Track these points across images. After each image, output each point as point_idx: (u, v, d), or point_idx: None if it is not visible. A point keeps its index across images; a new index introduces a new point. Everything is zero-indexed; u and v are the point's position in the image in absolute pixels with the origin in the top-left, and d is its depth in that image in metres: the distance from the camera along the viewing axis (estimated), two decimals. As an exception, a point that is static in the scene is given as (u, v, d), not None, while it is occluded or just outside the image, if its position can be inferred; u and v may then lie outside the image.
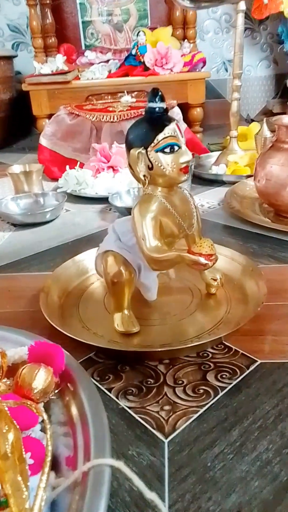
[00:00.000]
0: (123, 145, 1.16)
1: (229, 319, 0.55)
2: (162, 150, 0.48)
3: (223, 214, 0.93)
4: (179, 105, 1.57)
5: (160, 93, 0.49)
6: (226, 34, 2.01)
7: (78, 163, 1.17)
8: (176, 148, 0.48)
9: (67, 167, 1.14)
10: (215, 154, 1.33)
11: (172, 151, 0.48)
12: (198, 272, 0.60)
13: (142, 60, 1.59)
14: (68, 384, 0.37)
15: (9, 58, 1.74)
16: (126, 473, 0.29)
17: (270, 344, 0.51)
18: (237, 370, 0.47)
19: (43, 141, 1.34)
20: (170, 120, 0.49)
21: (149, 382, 0.46)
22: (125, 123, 1.26)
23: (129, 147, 0.50)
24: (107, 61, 1.73)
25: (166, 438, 0.39)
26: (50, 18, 1.73)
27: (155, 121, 0.48)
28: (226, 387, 0.45)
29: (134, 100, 1.45)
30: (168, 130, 0.48)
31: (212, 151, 1.44)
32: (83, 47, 1.95)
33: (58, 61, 1.58)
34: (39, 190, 1.05)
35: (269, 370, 0.47)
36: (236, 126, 1.24)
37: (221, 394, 0.44)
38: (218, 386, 0.45)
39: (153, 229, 0.49)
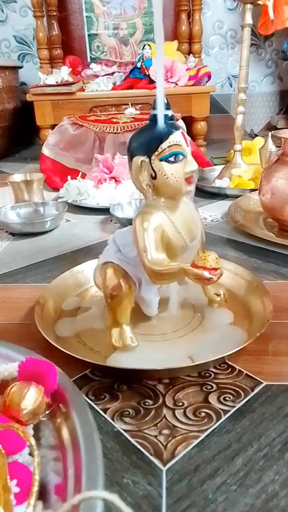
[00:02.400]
0: (126, 156, 1.15)
1: (232, 337, 0.52)
2: (166, 159, 0.46)
3: (226, 227, 0.91)
4: (183, 119, 1.57)
5: (166, 100, 0.47)
6: (231, 49, 2.02)
7: (80, 173, 1.15)
8: (181, 157, 0.46)
9: (69, 177, 1.12)
10: (219, 168, 1.32)
11: (176, 160, 0.46)
12: (201, 286, 0.57)
13: (147, 73, 1.59)
14: (60, 405, 0.35)
15: (14, 68, 1.75)
16: (120, 508, 0.26)
17: (275, 364, 0.48)
18: (241, 392, 0.44)
19: (46, 150, 1.33)
20: (175, 128, 0.47)
21: (147, 403, 0.43)
22: (128, 134, 1.25)
23: (131, 156, 0.48)
24: (112, 73, 1.73)
25: (164, 466, 0.36)
26: (57, 30, 1.74)
27: (161, 129, 0.46)
28: (229, 411, 0.42)
29: (138, 112, 1.44)
30: (173, 139, 0.46)
31: (215, 164, 1.43)
32: (89, 60, 1.96)
33: (63, 73, 1.58)
34: (39, 199, 1.03)
35: (274, 393, 0.44)
36: (240, 140, 1.23)
37: (223, 418, 0.41)
38: (221, 409, 0.42)
39: (155, 240, 0.47)
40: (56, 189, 1.23)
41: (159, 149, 0.46)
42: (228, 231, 0.89)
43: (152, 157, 0.46)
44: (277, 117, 2.01)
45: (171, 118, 0.47)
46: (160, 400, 0.44)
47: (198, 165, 1.32)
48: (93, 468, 0.27)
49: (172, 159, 0.46)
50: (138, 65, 1.62)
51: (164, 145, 0.46)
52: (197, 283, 0.45)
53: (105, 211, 1.01)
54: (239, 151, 1.24)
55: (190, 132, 1.63)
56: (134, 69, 1.63)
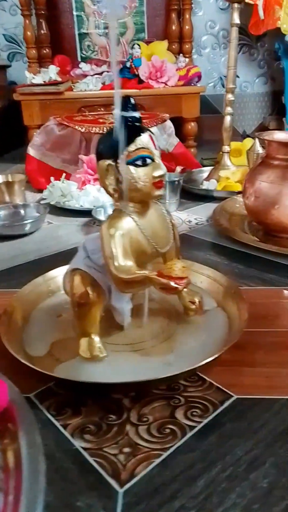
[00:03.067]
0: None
1: (206, 347, 0.50)
2: (133, 163, 0.44)
3: (210, 231, 0.89)
4: (173, 119, 1.55)
5: (133, 102, 0.45)
6: (224, 50, 2.00)
7: (64, 174, 1.13)
8: (148, 161, 0.45)
9: (52, 178, 1.10)
10: (208, 169, 1.30)
11: (144, 164, 0.44)
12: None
13: (136, 73, 1.57)
14: (9, 425, 0.33)
15: (2, 68, 1.72)
16: None
17: (249, 377, 0.46)
18: (210, 407, 0.42)
19: (31, 151, 1.31)
20: (143, 130, 0.45)
21: (110, 419, 0.41)
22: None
23: (98, 159, 0.46)
24: (102, 73, 1.71)
25: (121, 488, 0.34)
26: (45, 28, 1.71)
27: (128, 131, 0.44)
28: (195, 427, 0.40)
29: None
30: (140, 142, 0.44)
31: (205, 166, 1.41)
32: (79, 59, 1.94)
33: (51, 72, 1.55)
34: (21, 201, 1.01)
35: (245, 408, 0.42)
36: (228, 141, 1.22)
37: (189, 435, 0.39)
38: (187, 425, 0.40)
39: (122, 247, 0.45)
40: (42, 191, 1.21)
41: (125, 153, 0.44)
42: (212, 235, 0.87)
43: (119, 161, 0.44)
44: (270, 118, 2.00)
45: (139, 120, 0.45)
46: (124, 416, 0.42)
47: (186, 167, 1.30)
48: (32, 501, 0.25)
49: (139, 162, 0.44)
50: (128, 64, 1.60)
51: (131, 148, 0.44)
52: (162, 293, 0.43)
53: (89, 213, 0.99)
54: (227, 152, 1.22)
55: (180, 132, 1.61)
56: (124, 68, 1.60)
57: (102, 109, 1.55)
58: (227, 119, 1.19)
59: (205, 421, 0.41)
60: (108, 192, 0.46)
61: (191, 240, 0.86)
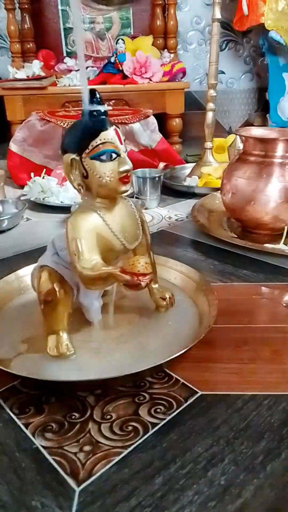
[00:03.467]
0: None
1: (175, 344, 0.50)
2: (97, 157, 0.43)
3: (189, 227, 0.89)
4: (158, 115, 1.54)
5: (98, 95, 0.44)
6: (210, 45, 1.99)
7: (44, 170, 1.12)
8: (114, 155, 0.44)
9: (32, 174, 1.09)
10: (191, 166, 1.29)
11: (110, 159, 0.44)
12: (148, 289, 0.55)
13: (120, 68, 1.56)
14: None
15: (-15, 62, 1.70)
16: None
17: (215, 373, 0.46)
18: (174, 404, 0.42)
19: (13, 146, 1.29)
20: (108, 124, 0.44)
21: (73, 417, 0.41)
22: (97, 131, 1.22)
23: (63, 152, 0.45)
24: (86, 68, 1.69)
25: (78, 486, 0.34)
26: (29, 23, 1.69)
27: (91, 125, 0.44)
28: (158, 424, 0.40)
29: (110, 108, 1.40)
30: (105, 136, 0.43)
31: (188, 162, 1.40)
32: (65, 54, 1.92)
33: (35, 67, 1.54)
34: (1, 197, 1.00)
35: (209, 404, 0.42)
36: (211, 137, 1.21)
37: (151, 432, 0.39)
38: (150, 422, 0.40)
39: (87, 243, 0.45)
40: (23, 187, 1.20)
41: (90, 147, 0.43)
42: (191, 231, 0.87)
43: (83, 155, 0.44)
44: (255, 114, 2.00)
45: (104, 113, 0.45)
46: (88, 413, 0.41)
47: (169, 163, 1.29)
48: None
49: (104, 157, 0.44)
50: (112, 59, 1.59)
51: (95, 142, 0.43)
52: (126, 289, 0.43)
53: (68, 209, 0.98)
54: (209, 148, 1.22)
55: (165, 129, 1.61)
56: (108, 63, 1.60)
57: (86, 104, 1.53)
58: (209, 115, 1.19)
59: (168, 418, 0.40)
60: (74, 187, 0.46)
61: (170, 236, 0.85)
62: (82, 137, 0.44)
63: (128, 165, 0.44)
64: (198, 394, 0.43)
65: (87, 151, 0.43)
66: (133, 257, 0.41)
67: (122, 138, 0.45)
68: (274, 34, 1.46)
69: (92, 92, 0.44)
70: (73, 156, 0.44)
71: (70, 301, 0.49)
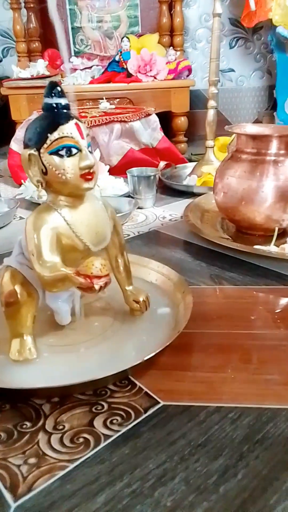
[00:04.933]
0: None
1: (145, 349, 0.47)
2: (56, 153, 0.41)
3: (182, 228, 0.86)
4: (163, 114, 1.52)
5: (58, 88, 0.42)
6: (220, 43, 1.96)
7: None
8: (74, 151, 0.42)
9: (28, 173, 1.08)
10: (193, 165, 1.26)
11: (69, 154, 0.42)
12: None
13: (125, 67, 1.54)
14: None
15: (-10, 62, 1.70)
16: None
17: (182, 381, 0.44)
18: (132, 414, 0.39)
19: (14, 145, 1.29)
20: (67, 118, 0.42)
21: (24, 426, 0.39)
22: (97, 129, 1.20)
23: (24, 147, 0.43)
24: (91, 67, 1.68)
25: (15, 502, 0.32)
26: (34, 22, 1.69)
27: (49, 119, 0.42)
28: (111, 436, 0.37)
29: (113, 106, 1.39)
30: (63, 130, 0.41)
31: (192, 161, 1.37)
32: (73, 53, 1.91)
33: (39, 66, 1.54)
34: (-6, 196, 0.99)
35: (170, 416, 0.39)
36: (212, 135, 1.18)
37: (102, 445, 0.36)
38: (104, 434, 0.37)
39: (47, 243, 0.42)
40: (22, 186, 1.19)
41: (48, 142, 0.41)
42: (183, 232, 0.84)
43: (41, 150, 0.42)
44: (264, 112, 1.95)
45: (65, 107, 0.42)
46: (40, 423, 0.39)
47: (171, 162, 1.26)
48: None
49: (62, 152, 0.41)
50: (117, 58, 1.57)
51: (53, 137, 0.41)
52: (81, 292, 0.41)
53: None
54: (211, 147, 1.18)
55: (170, 127, 1.58)
56: (113, 62, 1.58)
57: (90, 103, 1.52)
58: (210, 112, 1.16)
59: (123, 430, 0.38)
60: (33, 183, 0.44)
61: (160, 237, 0.83)
62: (40, 131, 0.42)
63: (89, 161, 0.42)
64: (160, 405, 0.40)
65: (45, 146, 0.41)
66: (88, 259, 0.39)
67: (85, 132, 0.43)
68: (282, 30, 1.42)
69: (53, 85, 0.42)
70: (31, 151, 0.42)
71: (34, 303, 0.47)
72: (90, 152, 0.44)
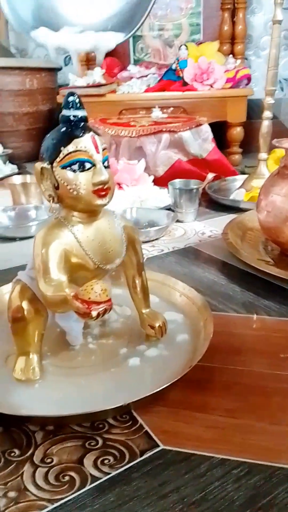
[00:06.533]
0: (132, 161, 1.08)
1: (153, 381, 0.43)
2: (69, 167, 0.39)
3: (221, 246, 0.81)
4: (218, 124, 1.47)
5: (77, 99, 0.40)
6: (285, 51, 1.87)
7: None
8: (88, 165, 0.39)
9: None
10: (243, 178, 1.20)
11: (82, 169, 0.39)
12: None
13: (181, 75, 1.51)
14: None
15: (51, 70, 1.75)
16: None
17: (189, 423, 0.39)
18: (127, 456, 0.36)
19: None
20: (84, 131, 0.40)
21: (12, 454, 0.37)
22: (144, 138, 1.18)
23: (40, 160, 0.42)
24: (148, 75, 1.67)
25: None
26: (95, 31, 1.71)
27: (64, 131, 0.40)
28: (99, 479, 0.34)
29: (165, 115, 1.37)
30: (77, 144, 0.39)
31: (245, 174, 1.31)
32: (132, 62, 1.92)
33: (96, 74, 1.55)
34: (36, 203, 1.00)
35: (167, 463, 0.35)
36: (266, 148, 1.11)
37: (88, 487, 0.33)
38: (91, 475, 0.34)
39: (54, 260, 0.40)
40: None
41: (61, 155, 0.39)
42: (221, 250, 0.79)
43: (54, 164, 0.40)
44: None
45: (82, 119, 0.40)
46: (29, 452, 0.37)
47: (220, 174, 1.21)
48: None
49: (75, 167, 0.39)
50: (173, 66, 1.54)
51: (66, 150, 0.39)
52: (79, 317, 0.38)
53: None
54: (264, 160, 1.12)
55: (225, 138, 1.53)
56: (169, 70, 1.55)
57: (144, 111, 1.51)
58: (265, 123, 1.10)
59: (114, 473, 0.34)
60: (45, 198, 0.42)
61: (196, 254, 0.78)
62: (53, 144, 0.40)
63: (104, 176, 0.40)
64: (159, 449, 0.37)
65: (58, 159, 0.39)
66: (89, 282, 0.36)
67: (101, 146, 0.40)
68: None
69: (70, 95, 0.40)
70: (44, 164, 0.40)
71: (42, 321, 0.45)
72: (107, 167, 0.41)
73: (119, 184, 1.05)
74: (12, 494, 0.33)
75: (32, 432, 0.39)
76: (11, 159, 1.58)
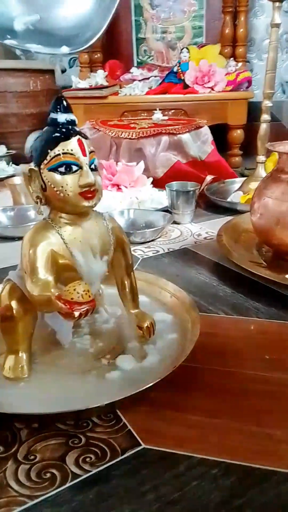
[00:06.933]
0: (131, 163, 1.09)
1: (139, 380, 0.44)
2: (56, 169, 0.40)
3: (215, 247, 0.81)
4: (219, 126, 1.47)
5: (64, 102, 0.41)
6: (287, 54, 1.87)
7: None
8: (74, 168, 0.40)
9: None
10: (241, 180, 1.21)
11: (69, 171, 0.40)
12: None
13: (182, 78, 1.52)
14: None
15: (53, 72, 1.76)
16: None
17: (171, 423, 0.40)
18: (108, 454, 0.37)
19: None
20: (70, 134, 0.40)
21: (-4, 450, 0.37)
22: (144, 140, 1.19)
23: (30, 162, 0.42)
24: (150, 78, 1.68)
25: None
26: (98, 33, 1.72)
27: (51, 134, 0.40)
28: (80, 476, 0.35)
29: (165, 118, 1.37)
30: (64, 146, 0.40)
31: (245, 176, 1.31)
32: (135, 64, 1.93)
33: (98, 77, 1.56)
34: (35, 203, 1.01)
35: (147, 462, 0.36)
36: (263, 150, 1.12)
37: (68, 484, 0.34)
38: (73, 472, 0.35)
39: (42, 261, 0.41)
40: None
41: (48, 157, 0.40)
42: (215, 252, 0.79)
43: (42, 166, 0.40)
44: None
45: (70, 122, 0.41)
46: (13, 449, 0.37)
47: (219, 176, 1.22)
48: None
49: (62, 169, 0.40)
50: (175, 69, 1.55)
51: (53, 153, 0.40)
52: (62, 317, 0.38)
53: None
54: (262, 163, 1.12)
55: (225, 140, 1.53)
56: (170, 73, 1.56)
57: (145, 114, 1.52)
58: (263, 126, 1.10)
59: (94, 471, 0.35)
60: (33, 199, 0.43)
61: (190, 255, 0.79)
62: (41, 146, 0.40)
63: (90, 179, 0.40)
64: (140, 447, 0.37)
65: (45, 161, 0.40)
66: (72, 283, 0.37)
67: (88, 149, 0.41)
68: None
69: (58, 99, 0.41)
70: (32, 166, 0.41)
71: (31, 320, 0.46)
72: (94, 170, 0.42)
73: (117, 185, 1.06)
74: (-7, 489, 0.34)
75: (17, 429, 0.40)
76: (14, 159, 1.60)
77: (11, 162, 1.57)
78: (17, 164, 1.48)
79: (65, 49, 0.46)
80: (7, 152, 1.61)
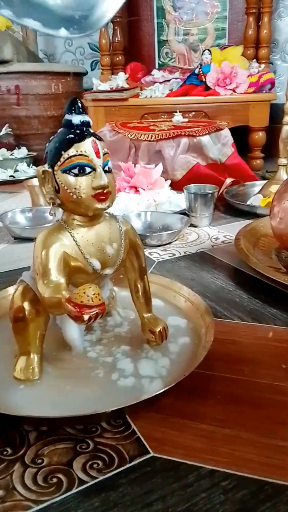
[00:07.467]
0: (149, 165, 1.09)
1: (151, 386, 0.43)
2: (69, 171, 0.40)
3: (233, 251, 0.80)
4: (240, 128, 1.46)
5: (79, 104, 0.41)
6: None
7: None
8: (88, 169, 0.40)
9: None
10: (262, 183, 1.19)
11: (82, 173, 0.40)
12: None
13: (204, 80, 1.51)
14: None
15: (76, 75, 1.78)
16: None
17: (181, 431, 0.39)
18: (116, 461, 0.36)
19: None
20: (84, 136, 0.40)
21: (4, 453, 0.37)
22: (163, 143, 1.18)
23: (43, 163, 0.42)
24: (171, 80, 1.67)
25: None
26: (119, 36, 1.73)
27: (65, 135, 0.40)
28: (87, 482, 0.34)
29: (186, 120, 1.37)
30: (78, 148, 0.39)
31: (266, 179, 1.29)
32: (157, 66, 1.93)
33: (119, 79, 1.57)
34: (53, 205, 1.01)
35: (155, 471, 0.35)
36: (285, 153, 1.10)
37: (74, 490, 0.33)
38: (79, 478, 0.34)
39: (54, 262, 0.41)
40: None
41: (61, 159, 0.40)
42: (232, 256, 0.78)
43: (55, 168, 0.40)
44: None
45: (84, 124, 0.41)
46: (21, 452, 0.37)
47: (239, 179, 1.20)
48: None
49: (75, 171, 0.39)
50: (196, 71, 1.54)
51: (67, 154, 0.39)
52: (72, 320, 0.38)
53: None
54: (283, 165, 1.10)
55: (246, 142, 1.51)
56: (192, 75, 1.55)
57: (165, 116, 1.51)
58: (285, 129, 1.07)
59: (101, 477, 0.34)
60: (46, 201, 0.42)
61: (207, 259, 0.78)
62: (55, 148, 0.40)
63: (103, 181, 0.40)
64: (149, 456, 0.36)
65: (59, 163, 0.40)
66: (82, 286, 0.36)
67: (102, 151, 0.41)
68: None
69: (73, 101, 0.41)
70: (45, 167, 0.41)
71: (43, 322, 0.46)
72: (108, 171, 0.41)
73: (135, 187, 1.05)
74: (0, 493, 0.33)
75: (26, 432, 0.39)
76: (35, 161, 1.62)
77: (32, 164, 1.59)
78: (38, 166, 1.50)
79: (63, 32, 0.44)
80: (28, 154, 1.63)
